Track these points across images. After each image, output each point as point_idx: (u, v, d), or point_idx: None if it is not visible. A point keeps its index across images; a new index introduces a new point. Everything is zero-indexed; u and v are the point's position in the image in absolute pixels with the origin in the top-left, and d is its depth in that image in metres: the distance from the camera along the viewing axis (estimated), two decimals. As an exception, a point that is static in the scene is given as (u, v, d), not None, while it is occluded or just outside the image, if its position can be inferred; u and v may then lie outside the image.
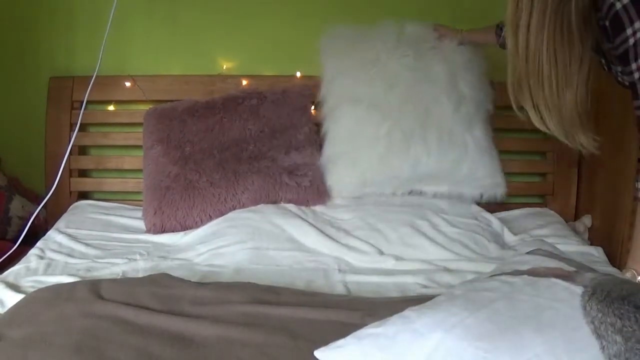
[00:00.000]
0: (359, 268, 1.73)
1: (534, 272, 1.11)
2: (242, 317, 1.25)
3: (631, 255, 1.28)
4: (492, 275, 1.16)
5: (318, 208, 2.00)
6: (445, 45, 2.09)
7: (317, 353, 1.08)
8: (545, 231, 2.02)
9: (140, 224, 2.02)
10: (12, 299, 1.44)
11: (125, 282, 1.44)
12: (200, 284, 1.42)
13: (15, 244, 1.87)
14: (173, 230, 1.96)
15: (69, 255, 1.78)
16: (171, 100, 2.19)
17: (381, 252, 1.80)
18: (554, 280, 1.06)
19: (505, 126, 2.30)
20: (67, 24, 2.26)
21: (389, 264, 1.75)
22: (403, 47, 2.07)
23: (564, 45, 1.18)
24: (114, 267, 1.69)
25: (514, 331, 0.96)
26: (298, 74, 2.27)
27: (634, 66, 1.17)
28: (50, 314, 1.25)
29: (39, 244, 1.85)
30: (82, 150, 2.29)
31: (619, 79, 1.30)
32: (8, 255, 1.81)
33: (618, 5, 1.15)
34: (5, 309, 1.37)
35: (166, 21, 2.26)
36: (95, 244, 1.87)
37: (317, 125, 2.14)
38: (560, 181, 2.27)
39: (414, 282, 1.63)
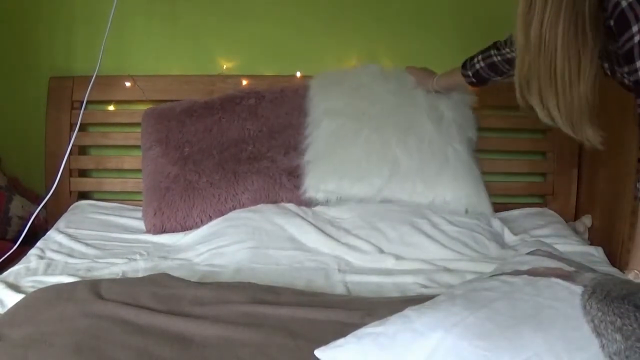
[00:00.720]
0: (359, 268, 1.73)
1: (534, 272, 1.11)
2: (242, 317, 1.25)
3: (633, 256, 1.29)
4: (492, 276, 1.16)
5: (318, 207, 2.00)
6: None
7: (317, 352, 1.08)
8: (545, 231, 2.02)
9: (140, 224, 2.02)
10: (12, 299, 1.44)
11: (125, 282, 1.44)
12: (200, 284, 1.42)
13: (15, 244, 1.87)
14: (173, 231, 1.97)
15: (69, 255, 1.78)
16: (171, 100, 2.19)
17: (381, 251, 1.80)
18: (553, 280, 1.06)
19: (505, 126, 2.31)
20: (67, 24, 2.26)
21: (389, 263, 1.74)
22: (386, 78, 2.12)
23: (577, 39, 1.19)
24: (114, 267, 1.69)
25: (514, 330, 0.96)
26: (298, 74, 2.27)
27: (638, 64, 1.17)
28: (50, 314, 1.24)
29: (39, 244, 1.85)
30: (82, 150, 2.29)
31: (625, 81, 1.30)
32: (8, 255, 1.81)
33: (624, 4, 1.15)
34: (5, 309, 1.37)
35: (166, 21, 2.26)
36: (95, 244, 1.87)
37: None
38: (560, 181, 2.27)
39: (414, 282, 1.63)
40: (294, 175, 2.02)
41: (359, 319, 1.20)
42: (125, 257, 1.77)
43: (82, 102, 2.01)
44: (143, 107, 2.20)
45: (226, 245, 1.80)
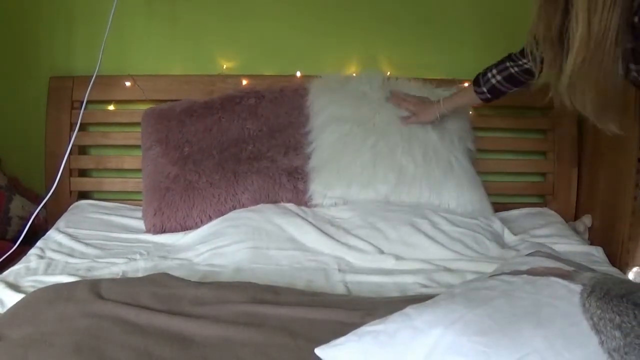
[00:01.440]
0: (359, 267, 1.73)
1: (533, 272, 1.11)
2: (242, 316, 1.25)
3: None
4: (491, 276, 1.16)
5: (318, 207, 2.00)
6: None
7: (317, 351, 1.08)
8: (545, 231, 2.03)
9: (140, 224, 2.02)
10: (12, 299, 1.44)
11: (125, 282, 1.44)
12: (200, 284, 1.42)
13: (15, 244, 1.87)
14: (173, 231, 1.96)
15: (69, 255, 1.78)
16: (171, 100, 2.19)
17: (381, 251, 1.80)
18: (553, 279, 1.06)
19: (505, 126, 2.31)
20: (67, 24, 2.25)
21: (389, 263, 1.75)
22: (387, 88, 2.12)
23: (627, 28, 1.21)
24: (114, 267, 1.69)
25: (514, 327, 0.96)
26: (298, 74, 2.27)
27: None
28: (50, 314, 1.24)
29: (39, 243, 1.85)
30: (82, 150, 2.29)
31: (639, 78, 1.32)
32: (8, 255, 1.81)
33: None
34: (5, 309, 1.37)
35: (166, 21, 2.26)
36: (95, 243, 1.87)
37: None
38: (560, 181, 2.27)
39: (414, 282, 1.63)
40: (294, 175, 2.02)
41: (359, 319, 1.20)
42: (125, 257, 1.77)
43: (82, 102, 2.01)
44: (143, 107, 2.20)
45: (226, 245, 1.80)
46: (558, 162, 2.27)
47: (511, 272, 1.13)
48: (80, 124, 2.02)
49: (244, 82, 2.25)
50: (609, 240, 1.99)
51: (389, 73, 2.23)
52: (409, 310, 1.06)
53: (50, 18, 2.25)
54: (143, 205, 2.03)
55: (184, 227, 1.97)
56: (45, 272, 1.66)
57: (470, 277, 1.51)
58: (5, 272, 1.65)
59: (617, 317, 0.93)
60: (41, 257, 1.75)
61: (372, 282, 1.63)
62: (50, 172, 2.13)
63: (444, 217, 1.92)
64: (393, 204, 1.97)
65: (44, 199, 1.95)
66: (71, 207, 2.15)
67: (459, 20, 2.27)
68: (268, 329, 1.20)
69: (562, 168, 2.27)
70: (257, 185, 1.99)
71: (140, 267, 1.69)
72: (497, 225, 1.98)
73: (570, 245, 1.90)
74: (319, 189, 1.99)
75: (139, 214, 2.05)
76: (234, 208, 1.97)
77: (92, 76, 1.98)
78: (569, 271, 1.10)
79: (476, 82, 1.85)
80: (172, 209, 1.97)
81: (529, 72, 1.68)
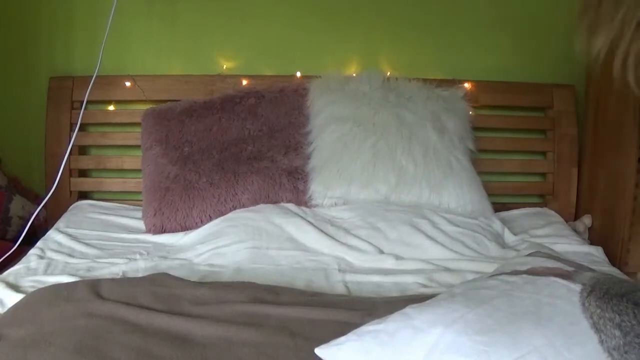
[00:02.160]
0: (359, 267, 1.73)
1: (533, 272, 1.11)
2: (242, 316, 1.25)
3: None
4: (491, 276, 1.16)
5: (318, 207, 2.00)
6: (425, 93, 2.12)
7: (317, 350, 1.08)
8: (545, 231, 2.03)
9: (140, 224, 2.02)
10: (12, 299, 1.44)
11: (125, 282, 1.44)
12: (200, 284, 1.42)
13: (15, 244, 1.87)
14: (173, 231, 1.96)
15: (69, 255, 1.78)
16: (171, 100, 2.19)
17: (381, 251, 1.80)
18: (553, 278, 1.06)
19: (505, 126, 2.31)
20: (67, 24, 2.25)
21: (389, 263, 1.75)
22: (388, 87, 2.13)
23: None
24: (114, 267, 1.69)
25: (514, 326, 0.96)
26: (298, 74, 2.27)
27: None
28: (50, 314, 1.24)
29: (39, 243, 1.85)
30: (82, 150, 2.29)
31: None
32: (8, 255, 1.81)
33: None
34: (5, 309, 1.37)
35: (166, 21, 2.26)
36: (95, 243, 1.87)
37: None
38: (560, 181, 2.27)
39: (414, 282, 1.63)
40: (294, 175, 2.02)
41: (359, 319, 1.20)
42: (125, 257, 1.77)
43: (82, 102, 2.01)
44: (143, 107, 2.20)
45: (226, 245, 1.80)
46: (558, 162, 2.27)
47: (511, 272, 1.13)
48: (80, 124, 2.02)
49: (244, 82, 2.25)
50: (609, 240, 1.99)
51: (389, 73, 2.23)
52: (409, 309, 1.06)
53: (50, 18, 2.25)
54: (143, 205, 2.03)
55: (184, 227, 1.97)
56: (45, 272, 1.66)
57: (470, 277, 1.50)
58: (5, 272, 1.65)
59: (617, 316, 0.93)
60: (41, 257, 1.75)
61: (372, 282, 1.63)
62: (50, 172, 2.13)
63: (444, 217, 1.92)
64: (393, 204, 1.97)
65: (44, 199, 1.95)
66: (71, 207, 2.15)
67: (458, 21, 2.28)
68: (268, 329, 1.20)
69: (562, 168, 2.27)
70: (257, 185, 1.99)
71: (140, 267, 1.69)
72: (497, 225, 1.98)
73: (570, 245, 1.90)
74: (319, 189, 1.99)
75: (139, 214, 2.05)
76: (234, 208, 1.97)
77: (92, 76, 1.98)
78: (568, 271, 1.10)
79: None
80: (172, 209, 1.97)
81: None
